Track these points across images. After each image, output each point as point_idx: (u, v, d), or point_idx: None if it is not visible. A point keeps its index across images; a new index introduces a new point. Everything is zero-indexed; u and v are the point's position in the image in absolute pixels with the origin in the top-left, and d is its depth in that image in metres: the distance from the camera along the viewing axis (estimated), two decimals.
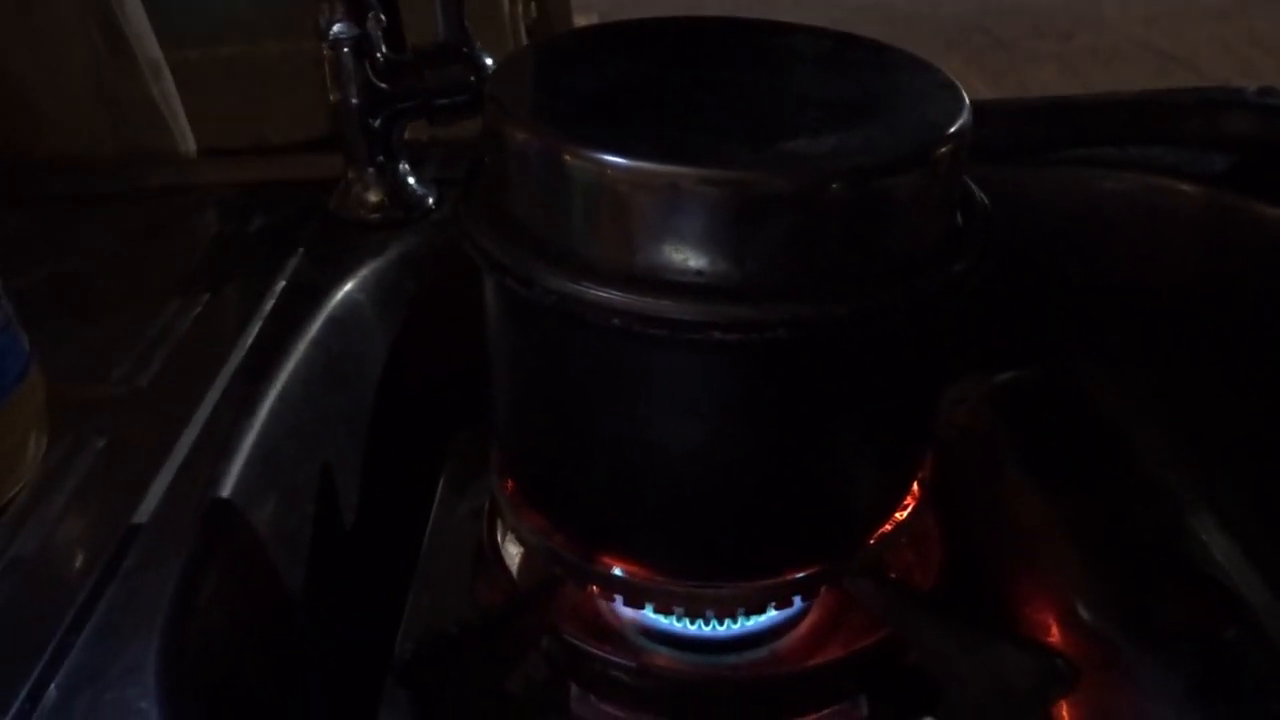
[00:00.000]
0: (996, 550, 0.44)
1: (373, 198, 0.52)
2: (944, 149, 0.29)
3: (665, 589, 0.34)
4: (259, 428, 0.38)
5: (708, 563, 0.34)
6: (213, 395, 0.40)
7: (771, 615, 0.37)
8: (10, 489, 0.34)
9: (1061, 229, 0.54)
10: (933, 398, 0.37)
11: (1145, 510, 0.46)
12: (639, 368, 0.31)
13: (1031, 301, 0.54)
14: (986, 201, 0.33)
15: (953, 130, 0.29)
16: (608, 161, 0.28)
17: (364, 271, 0.49)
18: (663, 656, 0.38)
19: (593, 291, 0.29)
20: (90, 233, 0.54)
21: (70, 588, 0.31)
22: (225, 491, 0.35)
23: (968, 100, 0.31)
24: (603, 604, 0.39)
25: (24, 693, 0.28)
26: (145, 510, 0.34)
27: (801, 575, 0.34)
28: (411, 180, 0.53)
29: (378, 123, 0.51)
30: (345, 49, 0.48)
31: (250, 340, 0.43)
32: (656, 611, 0.35)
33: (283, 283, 0.47)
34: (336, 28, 0.48)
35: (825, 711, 0.37)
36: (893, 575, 0.39)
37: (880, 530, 0.36)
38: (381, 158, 0.52)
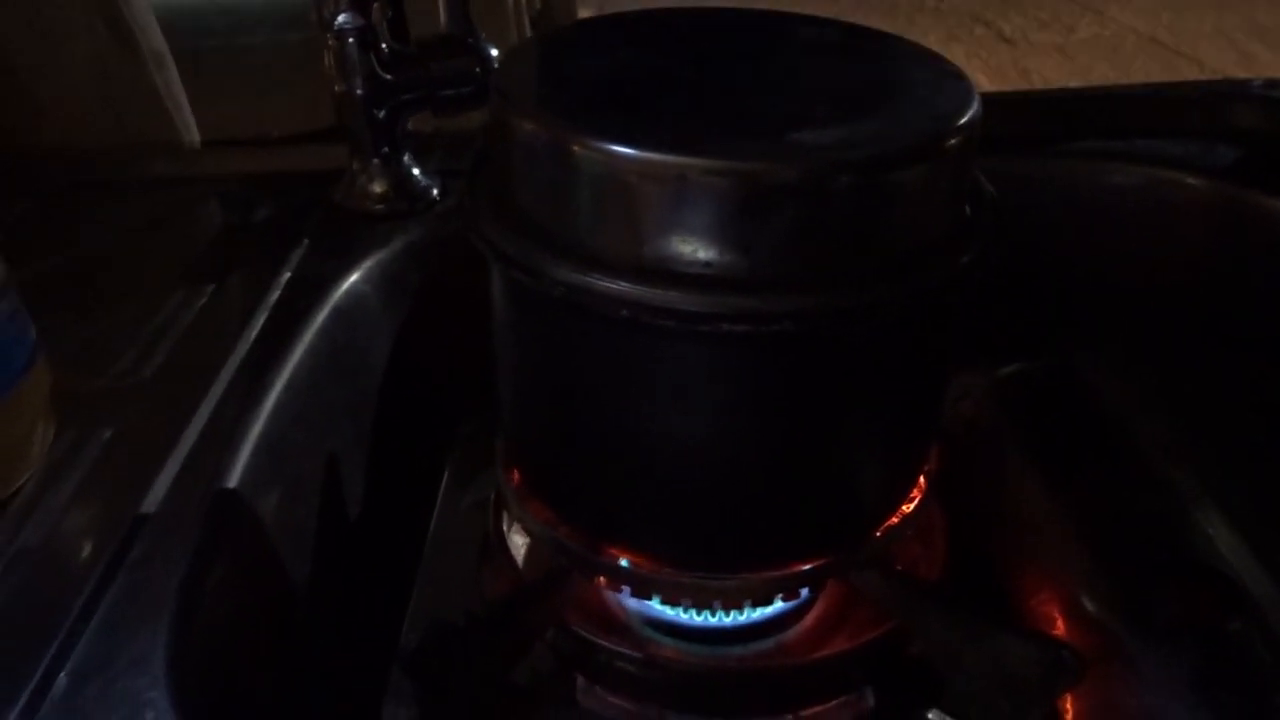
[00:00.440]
0: (1000, 543, 0.44)
1: (377, 189, 0.52)
2: (953, 140, 0.29)
3: (673, 580, 0.34)
4: (265, 419, 0.38)
5: (715, 554, 0.34)
6: (218, 386, 0.40)
7: (777, 607, 0.37)
8: (17, 479, 0.34)
9: (1066, 221, 0.54)
10: (939, 390, 0.37)
11: (1149, 503, 0.46)
12: (646, 358, 0.31)
13: (1036, 294, 0.54)
14: (994, 193, 0.33)
15: (963, 121, 0.29)
16: (616, 152, 0.28)
17: (369, 263, 0.49)
18: (668, 647, 0.38)
19: (602, 283, 0.29)
20: (92, 223, 0.53)
21: (78, 578, 0.31)
22: (231, 483, 0.35)
23: (976, 91, 0.31)
24: (608, 595, 0.40)
25: (33, 682, 0.28)
26: (152, 501, 0.34)
27: (809, 567, 0.34)
28: (416, 171, 0.53)
29: (382, 114, 0.51)
30: (350, 40, 0.48)
31: (255, 332, 0.43)
32: (664, 603, 0.35)
33: (287, 274, 0.47)
34: (341, 18, 0.48)
35: (831, 703, 0.37)
36: (898, 568, 0.39)
37: (887, 523, 0.36)
38: (386, 149, 0.52)
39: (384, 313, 0.50)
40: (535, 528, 0.37)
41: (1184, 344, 0.52)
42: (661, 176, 0.28)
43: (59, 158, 0.59)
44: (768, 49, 0.35)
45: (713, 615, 0.37)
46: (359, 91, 0.50)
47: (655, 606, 0.37)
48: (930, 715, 0.36)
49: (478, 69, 0.51)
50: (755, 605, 0.36)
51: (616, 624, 0.39)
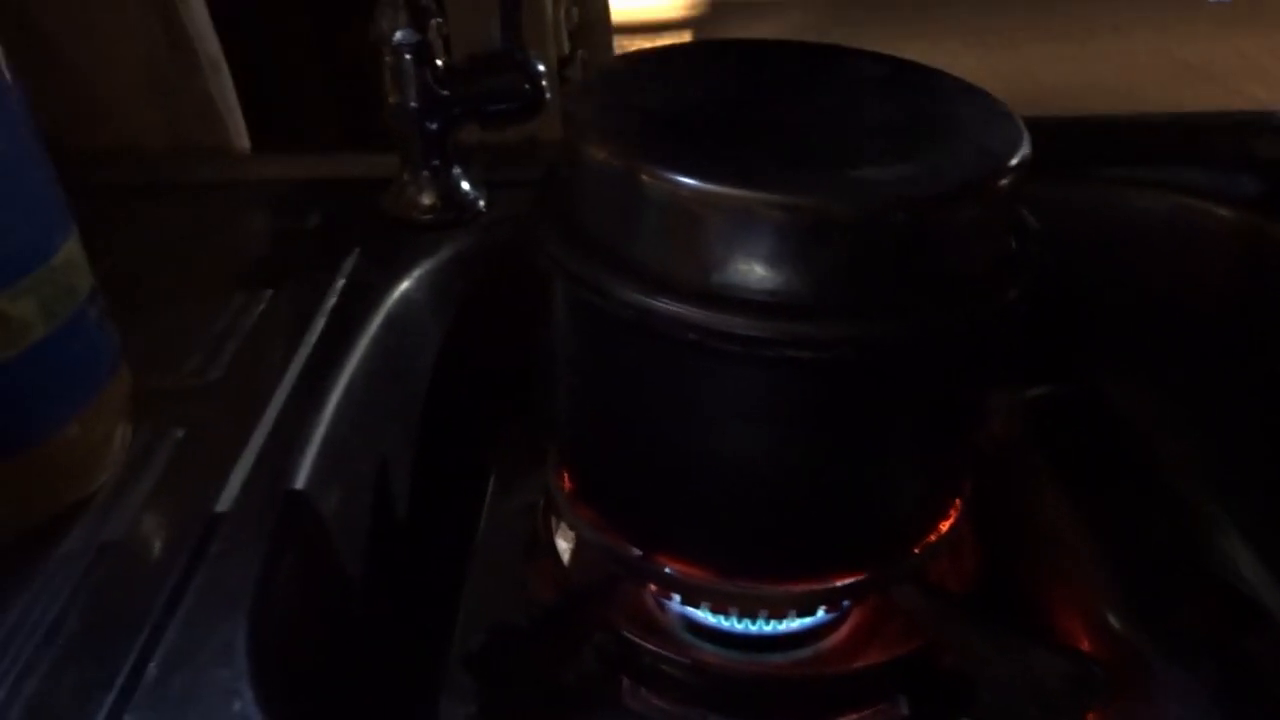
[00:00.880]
0: (1027, 560, 0.46)
1: (426, 200, 0.54)
2: (1005, 180, 0.31)
3: (722, 589, 0.36)
4: (326, 422, 0.40)
5: (763, 565, 0.36)
6: (283, 389, 0.41)
7: (819, 617, 0.38)
8: (100, 477, 0.36)
9: (1094, 246, 0.55)
10: (978, 413, 0.38)
11: (1171, 522, 0.48)
12: (707, 378, 0.32)
13: (1064, 318, 0.55)
14: (1038, 226, 0.35)
15: (1014, 162, 0.31)
16: (685, 184, 0.29)
17: (419, 271, 0.50)
18: (710, 653, 0.40)
19: (670, 306, 0.30)
20: (146, 225, 0.55)
21: (160, 572, 0.33)
22: (299, 483, 0.37)
23: (1025, 130, 0.33)
24: (651, 601, 0.41)
25: (127, 667, 0.30)
26: (226, 499, 0.36)
27: (852, 581, 0.36)
28: (464, 183, 0.54)
29: (434, 126, 0.52)
30: (406, 55, 0.50)
31: (315, 336, 0.44)
32: (713, 611, 0.37)
33: (342, 280, 0.49)
34: (400, 34, 0.49)
35: (866, 710, 0.39)
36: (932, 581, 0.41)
37: (926, 540, 0.37)
38: (437, 161, 0.53)
39: (432, 319, 0.51)
40: (590, 534, 0.38)
41: (1209, 369, 0.54)
42: (729, 209, 0.29)
43: (112, 159, 0.61)
44: (819, 82, 0.36)
45: (754, 623, 0.38)
46: (413, 104, 0.51)
47: (696, 612, 0.39)
48: None
49: (526, 85, 0.52)
50: (800, 615, 0.37)
51: (660, 628, 0.41)
